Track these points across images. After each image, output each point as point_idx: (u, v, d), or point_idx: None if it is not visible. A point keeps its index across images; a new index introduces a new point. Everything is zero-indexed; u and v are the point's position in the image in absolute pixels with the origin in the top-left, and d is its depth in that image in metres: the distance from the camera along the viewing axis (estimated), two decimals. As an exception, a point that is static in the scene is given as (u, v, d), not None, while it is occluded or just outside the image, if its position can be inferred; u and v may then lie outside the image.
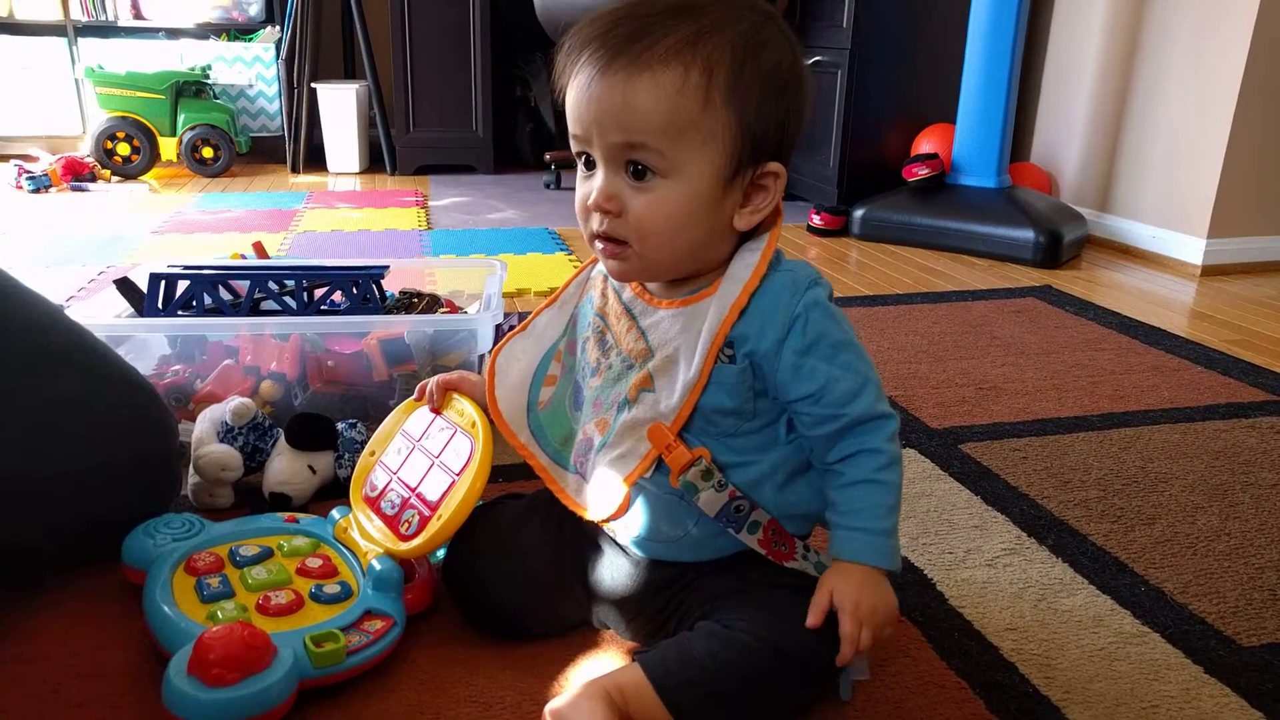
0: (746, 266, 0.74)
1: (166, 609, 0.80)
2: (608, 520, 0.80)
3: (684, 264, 0.75)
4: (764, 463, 0.76)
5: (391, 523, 0.89)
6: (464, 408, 0.91)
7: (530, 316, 0.90)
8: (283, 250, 2.34)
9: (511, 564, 0.84)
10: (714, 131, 0.69)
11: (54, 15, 3.50)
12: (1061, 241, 2.38)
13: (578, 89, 0.70)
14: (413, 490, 0.89)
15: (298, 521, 0.97)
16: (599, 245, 0.74)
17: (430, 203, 3.07)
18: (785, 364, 0.73)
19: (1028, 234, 2.38)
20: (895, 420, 0.76)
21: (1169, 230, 2.45)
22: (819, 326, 0.73)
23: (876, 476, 0.74)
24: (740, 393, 0.74)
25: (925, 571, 1.01)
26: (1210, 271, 2.36)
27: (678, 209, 0.70)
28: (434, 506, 0.86)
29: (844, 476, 0.75)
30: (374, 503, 0.93)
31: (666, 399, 0.75)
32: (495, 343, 1.26)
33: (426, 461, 0.90)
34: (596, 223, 0.72)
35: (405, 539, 0.86)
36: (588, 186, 0.72)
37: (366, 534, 0.90)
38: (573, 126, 0.72)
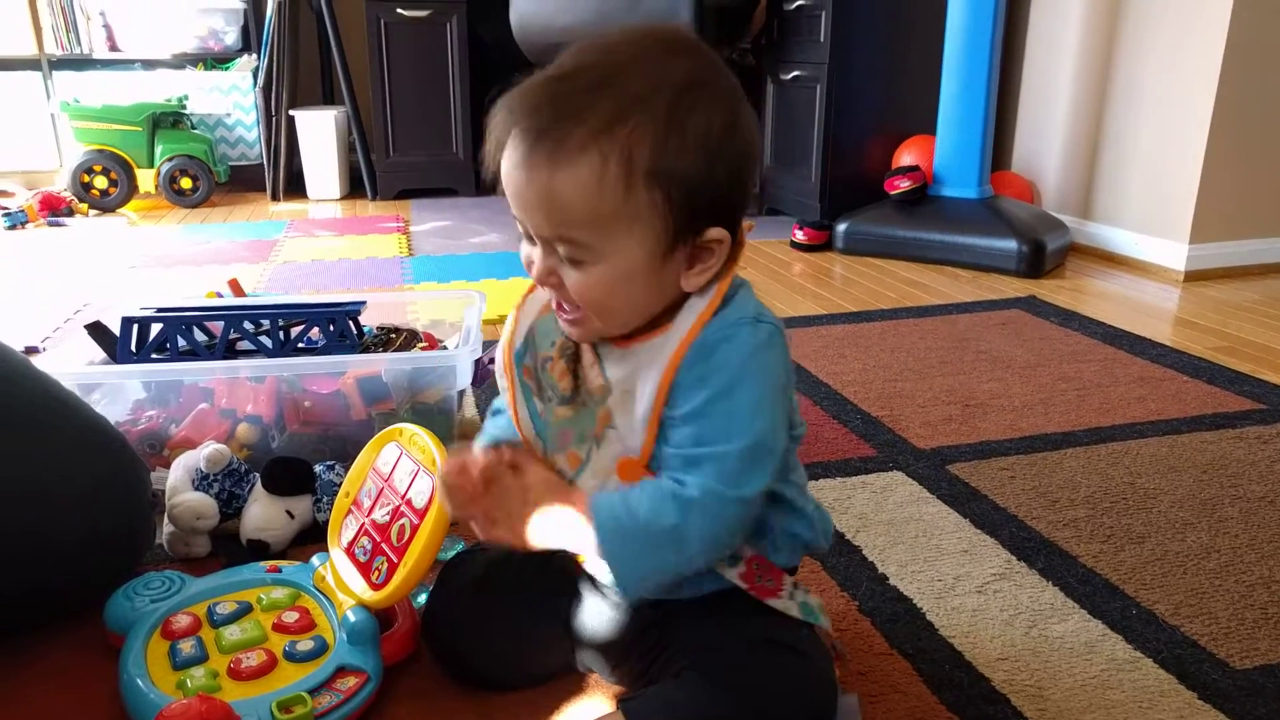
0: (703, 300, 0.72)
1: (138, 681, 0.78)
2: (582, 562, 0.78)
3: (635, 322, 0.73)
4: None
5: (365, 570, 0.87)
6: (425, 443, 0.89)
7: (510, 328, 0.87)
8: (261, 284, 2.32)
9: (489, 619, 0.82)
10: (639, 215, 0.66)
11: (28, 49, 3.48)
12: (1044, 250, 2.37)
13: (506, 170, 0.68)
14: (382, 535, 0.87)
15: (280, 570, 0.95)
16: (555, 308, 0.74)
17: (411, 228, 3.06)
18: (679, 383, 0.70)
19: (1010, 244, 2.38)
20: (727, 501, 0.68)
21: (1151, 236, 2.46)
22: (718, 362, 0.69)
23: (644, 494, 0.68)
24: None
25: (915, 601, 0.99)
26: (1193, 276, 2.36)
27: (614, 287, 0.69)
28: (401, 552, 0.84)
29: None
30: (349, 548, 0.91)
31: (629, 436, 0.73)
32: (474, 376, 1.25)
33: (394, 503, 0.88)
34: (547, 290, 0.72)
35: (377, 587, 0.84)
36: (529, 251, 0.71)
37: (341, 583, 0.88)
38: (510, 202, 0.70)
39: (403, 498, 0.88)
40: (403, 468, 0.90)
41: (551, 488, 0.73)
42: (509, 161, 0.67)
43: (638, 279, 0.69)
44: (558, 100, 0.65)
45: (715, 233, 0.69)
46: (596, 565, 0.80)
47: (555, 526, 0.71)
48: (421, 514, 0.84)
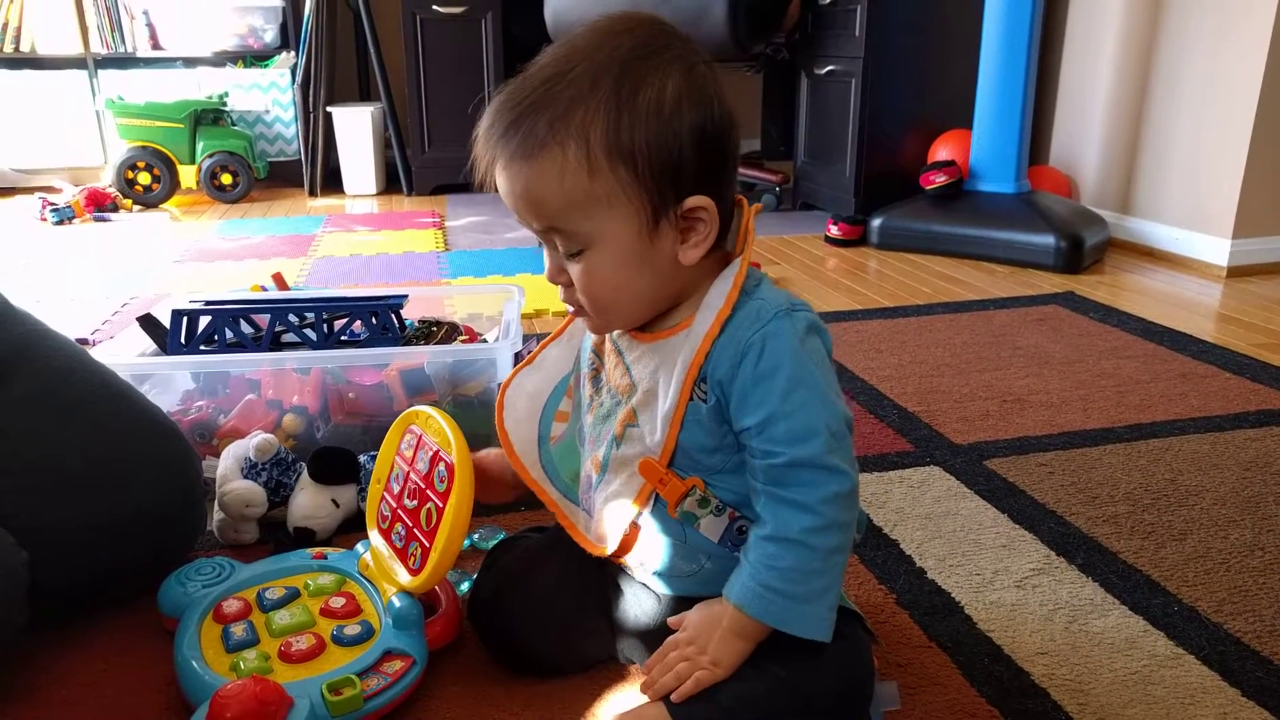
0: (720, 295, 0.72)
1: (193, 662, 0.81)
2: (617, 557, 0.80)
3: (645, 311, 0.75)
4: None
5: (401, 555, 0.89)
6: (439, 425, 0.89)
7: (538, 349, 0.90)
8: (301, 278, 2.35)
9: (535, 601, 0.84)
10: (614, 194, 0.68)
11: (74, 49, 3.55)
12: (1083, 246, 2.35)
13: (496, 179, 0.71)
14: (413, 520, 0.89)
15: (326, 557, 0.97)
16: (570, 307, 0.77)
17: (447, 223, 3.09)
18: (737, 392, 0.70)
19: (1048, 239, 2.36)
20: (847, 480, 0.70)
21: (1192, 231, 2.42)
22: (775, 357, 0.69)
23: (800, 537, 0.69)
24: (717, 430, 0.73)
25: (953, 594, 0.99)
26: (1236, 272, 2.33)
27: (611, 273, 0.71)
28: (430, 536, 0.85)
29: (765, 527, 0.71)
30: (386, 534, 0.93)
31: (650, 434, 0.75)
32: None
33: (419, 486, 0.89)
34: (560, 292, 0.75)
35: (414, 572, 0.86)
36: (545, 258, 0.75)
37: (383, 568, 0.90)
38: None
39: (425, 481, 0.89)
40: (422, 450, 0.91)
41: (705, 617, 0.74)
42: (495, 169, 0.70)
43: (633, 261, 0.71)
44: (519, 104, 0.68)
45: (696, 200, 0.70)
46: (632, 562, 0.81)
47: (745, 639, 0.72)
48: (444, 497, 0.84)
